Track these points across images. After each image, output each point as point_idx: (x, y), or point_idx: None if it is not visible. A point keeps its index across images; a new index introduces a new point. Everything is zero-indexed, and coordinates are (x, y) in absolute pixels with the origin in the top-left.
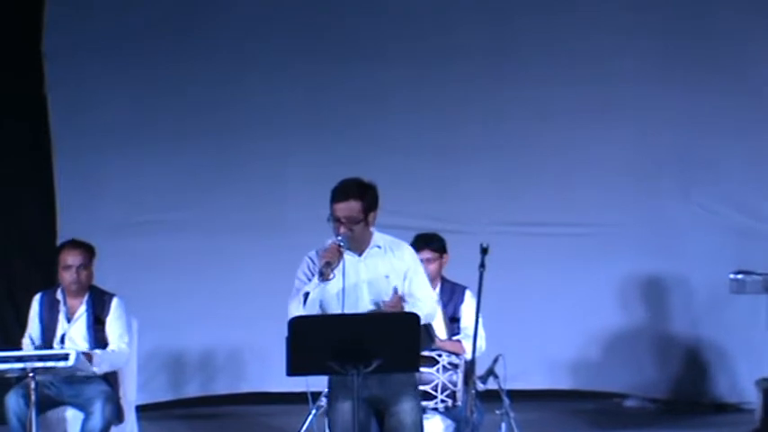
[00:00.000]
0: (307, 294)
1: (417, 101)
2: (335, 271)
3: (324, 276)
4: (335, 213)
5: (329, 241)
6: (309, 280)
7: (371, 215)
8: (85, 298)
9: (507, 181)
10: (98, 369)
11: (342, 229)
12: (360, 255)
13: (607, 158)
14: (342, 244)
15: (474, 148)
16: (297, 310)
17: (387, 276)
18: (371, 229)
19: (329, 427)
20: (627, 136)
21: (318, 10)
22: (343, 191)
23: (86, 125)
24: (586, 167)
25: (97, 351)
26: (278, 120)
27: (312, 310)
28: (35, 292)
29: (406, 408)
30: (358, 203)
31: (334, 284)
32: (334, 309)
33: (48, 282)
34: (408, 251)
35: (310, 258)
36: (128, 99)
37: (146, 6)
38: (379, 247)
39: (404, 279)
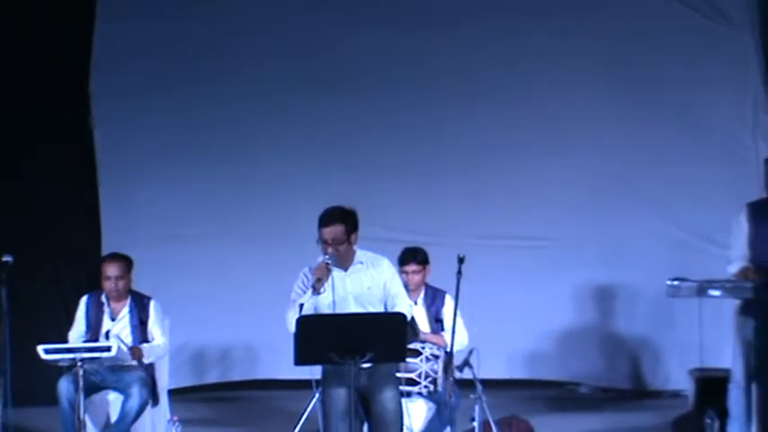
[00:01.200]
0: (302, 305)
1: (404, 129)
2: (325, 285)
3: (316, 290)
4: (323, 236)
5: (319, 259)
6: (304, 292)
7: (353, 236)
8: (128, 301)
9: (481, 200)
10: (146, 360)
11: (329, 250)
12: (345, 270)
13: (567, 182)
14: (329, 262)
15: (452, 171)
16: (293, 318)
17: (369, 288)
18: (354, 247)
19: (323, 410)
20: (584, 163)
21: (323, 41)
22: (328, 217)
23: (126, 152)
24: (549, 189)
25: (145, 345)
26: (288, 147)
27: None
28: (81, 294)
29: (388, 396)
30: (341, 227)
31: (326, 297)
32: None
33: (93, 284)
34: (386, 264)
35: (304, 274)
36: (161, 130)
37: (176, 53)
38: (361, 263)
39: (384, 287)
